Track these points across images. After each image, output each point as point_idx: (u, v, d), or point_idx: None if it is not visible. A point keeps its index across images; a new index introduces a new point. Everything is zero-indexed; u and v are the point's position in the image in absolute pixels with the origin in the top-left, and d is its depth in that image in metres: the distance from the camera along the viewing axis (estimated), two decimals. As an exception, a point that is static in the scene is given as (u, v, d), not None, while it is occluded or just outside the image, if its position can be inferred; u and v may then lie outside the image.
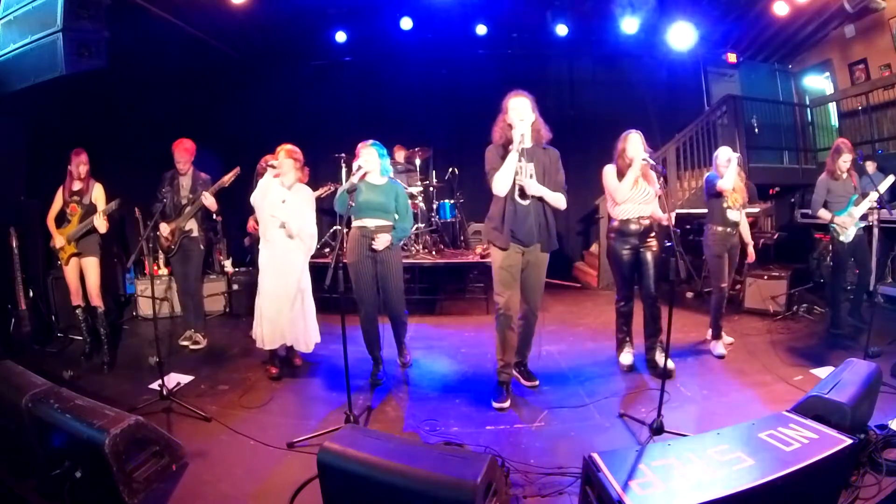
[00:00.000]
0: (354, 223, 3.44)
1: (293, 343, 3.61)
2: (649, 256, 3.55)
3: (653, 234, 3.57)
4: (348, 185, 3.12)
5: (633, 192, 3.48)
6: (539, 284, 3.25)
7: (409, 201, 3.78)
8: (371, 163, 3.35)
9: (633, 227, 3.53)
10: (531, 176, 3.08)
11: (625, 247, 3.57)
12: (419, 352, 4.14)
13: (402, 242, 3.78)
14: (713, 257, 4.00)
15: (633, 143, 3.44)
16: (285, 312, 3.49)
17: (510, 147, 3.02)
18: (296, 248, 3.52)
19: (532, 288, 3.24)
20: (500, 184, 3.03)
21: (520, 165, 3.05)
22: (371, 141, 3.47)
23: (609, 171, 3.58)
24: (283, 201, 3.46)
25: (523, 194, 3.08)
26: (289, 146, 3.56)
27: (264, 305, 3.49)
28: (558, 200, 3.15)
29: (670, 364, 3.48)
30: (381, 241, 3.34)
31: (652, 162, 3.25)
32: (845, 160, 4.19)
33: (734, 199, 3.91)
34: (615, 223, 3.62)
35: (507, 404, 3.16)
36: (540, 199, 3.11)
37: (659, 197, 3.34)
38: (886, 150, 6.59)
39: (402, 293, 3.58)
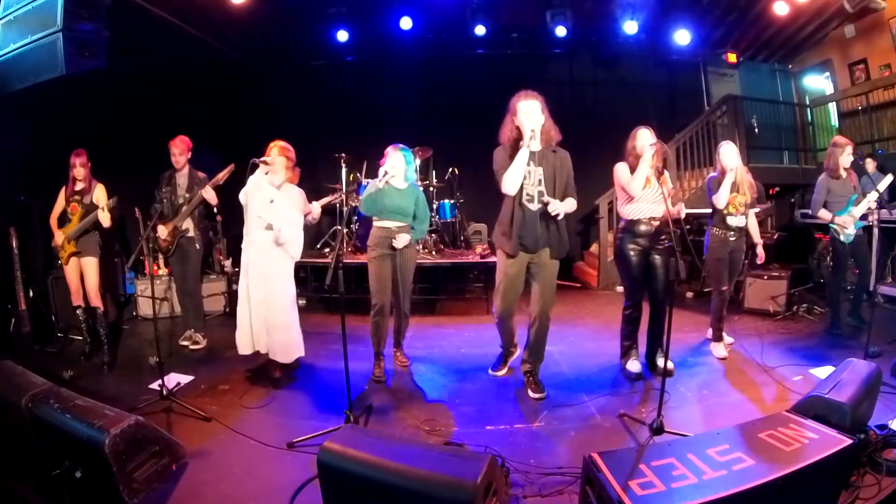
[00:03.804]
0: (377, 223, 3.59)
1: (270, 352, 3.44)
2: (659, 259, 3.44)
3: (664, 237, 3.44)
4: (374, 189, 3.36)
5: (646, 191, 3.37)
6: (549, 288, 3.21)
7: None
8: (397, 167, 3.49)
9: (643, 227, 3.42)
10: (540, 181, 3.07)
11: (634, 248, 3.45)
12: (419, 351, 4.14)
13: (418, 242, 3.99)
14: (713, 260, 3.92)
15: (643, 139, 3.38)
16: (268, 320, 3.38)
17: (521, 144, 3.00)
18: (283, 253, 3.41)
19: (542, 291, 3.21)
20: (510, 182, 3.00)
21: (528, 170, 3.04)
22: (401, 146, 3.59)
23: (621, 168, 3.48)
24: (270, 201, 3.35)
25: (532, 199, 3.08)
26: (282, 143, 3.47)
27: (245, 311, 3.39)
28: (571, 207, 3.14)
29: (670, 365, 3.50)
30: (401, 240, 3.51)
31: (661, 144, 3.20)
32: (848, 154, 4.13)
33: (737, 204, 3.79)
34: (624, 223, 3.51)
35: (501, 372, 3.63)
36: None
37: (669, 195, 3.25)
38: (886, 149, 6.60)
39: (410, 288, 3.78)
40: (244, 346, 3.44)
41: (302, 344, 3.55)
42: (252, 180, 3.35)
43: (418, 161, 6.28)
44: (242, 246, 3.46)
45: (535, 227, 3.07)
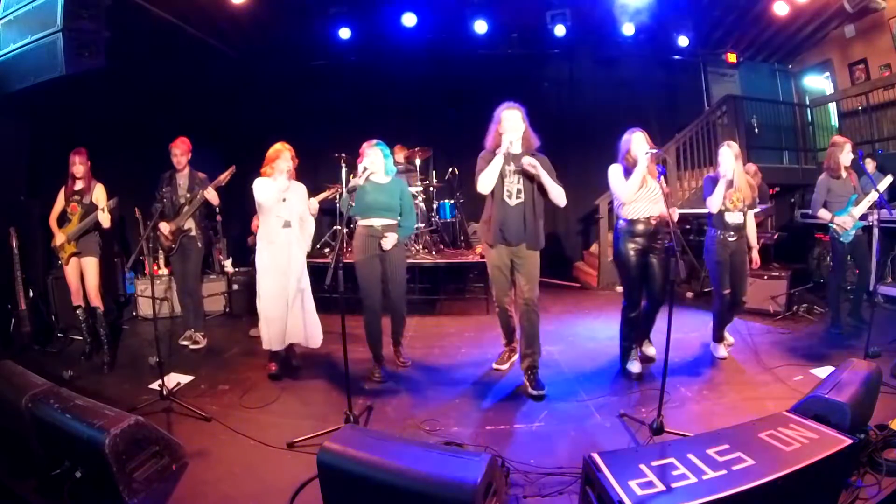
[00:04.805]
0: (361, 222, 3.54)
1: (300, 341, 3.61)
2: (657, 260, 3.44)
3: (661, 236, 3.43)
4: (351, 187, 3.27)
5: (642, 191, 3.37)
6: (532, 278, 3.35)
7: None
8: (376, 163, 3.47)
9: (641, 226, 3.41)
10: (518, 180, 3.29)
11: (633, 248, 3.44)
12: (419, 351, 4.14)
13: (416, 240, 3.90)
14: (713, 263, 3.82)
15: (637, 142, 3.38)
16: (289, 312, 3.49)
17: (497, 151, 3.22)
18: (298, 249, 3.56)
19: (526, 282, 3.33)
20: (484, 183, 3.26)
21: (509, 170, 3.27)
22: (375, 140, 3.57)
23: (614, 171, 3.47)
24: (283, 200, 3.47)
25: (511, 196, 3.29)
26: (286, 144, 3.56)
27: (269, 307, 3.48)
28: (559, 193, 3.30)
29: (652, 350, 3.81)
30: (390, 241, 3.48)
31: (656, 151, 3.28)
32: (847, 152, 4.12)
33: (735, 200, 3.71)
34: (622, 223, 3.50)
35: (504, 367, 3.72)
36: (528, 201, 3.27)
37: (665, 195, 3.23)
38: (886, 150, 6.59)
39: (404, 289, 3.74)
40: (276, 342, 3.51)
41: (320, 328, 3.69)
42: (272, 184, 3.41)
43: (419, 161, 6.30)
44: (260, 246, 3.53)
45: (515, 220, 3.27)
